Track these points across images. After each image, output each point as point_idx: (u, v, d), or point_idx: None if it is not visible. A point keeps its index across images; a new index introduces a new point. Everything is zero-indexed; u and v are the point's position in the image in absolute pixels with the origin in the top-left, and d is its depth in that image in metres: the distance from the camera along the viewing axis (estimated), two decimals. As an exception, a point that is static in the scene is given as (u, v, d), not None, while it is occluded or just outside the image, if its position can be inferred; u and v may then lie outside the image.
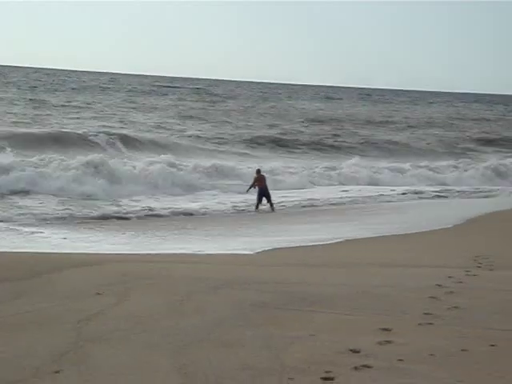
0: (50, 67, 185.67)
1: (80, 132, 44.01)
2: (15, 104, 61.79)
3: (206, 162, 36.32)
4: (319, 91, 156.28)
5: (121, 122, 55.92)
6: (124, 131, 46.85)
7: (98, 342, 7.38)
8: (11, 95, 70.74)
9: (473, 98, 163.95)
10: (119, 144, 42.40)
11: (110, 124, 52.62)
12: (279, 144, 52.77)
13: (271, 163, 39.40)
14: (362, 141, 57.58)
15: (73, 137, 42.25)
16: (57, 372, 6.45)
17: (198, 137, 51.69)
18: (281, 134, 57.48)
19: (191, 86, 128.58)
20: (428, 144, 59.10)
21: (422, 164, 43.59)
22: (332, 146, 54.28)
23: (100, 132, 44.38)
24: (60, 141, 40.56)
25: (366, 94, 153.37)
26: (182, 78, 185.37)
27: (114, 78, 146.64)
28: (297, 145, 53.35)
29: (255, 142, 52.25)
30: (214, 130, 56.41)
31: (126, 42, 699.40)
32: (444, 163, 45.28)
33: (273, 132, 57.97)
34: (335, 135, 60.29)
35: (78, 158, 31.25)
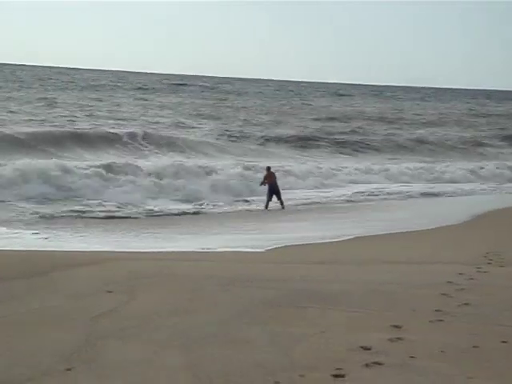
0: (53, 65, 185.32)
1: (111, 131, 43.94)
2: (29, 103, 61.58)
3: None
4: (329, 88, 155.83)
5: (134, 119, 55.67)
6: (143, 129, 46.34)
7: (110, 340, 7.38)
8: (23, 94, 70.54)
9: (481, 95, 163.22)
10: (143, 142, 42.26)
11: (126, 122, 52.46)
12: (306, 142, 52.16)
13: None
14: (385, 138, 57.00)
15: (97, 136, 41.95)
16: (68, 370, 6.46)
17: (222, 135, 51.27)
18: (303, 132, 56.88)
19: (200, 84, 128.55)
20: (447, 141, 58.66)
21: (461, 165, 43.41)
22: (357, 144, 53.52)
23: (122, 130, 44.31)
24: (85, 140, 40.29)
25: (378, 91, 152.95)
26: (189, 75, 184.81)
27: (121, 76, 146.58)
28: (324, 143, 52.53)
29: (282, 141, 51.67)
30: (232, 128, 55.84)
31: (128, 40, 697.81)
32: (478, 163, 44.96)
33: (293, 131, 57.20)
34: (354, 132, 59.54)
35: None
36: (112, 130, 44.53)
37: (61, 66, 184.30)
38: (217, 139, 49.04)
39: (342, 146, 52.40)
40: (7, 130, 39.56)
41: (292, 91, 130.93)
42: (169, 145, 43.01)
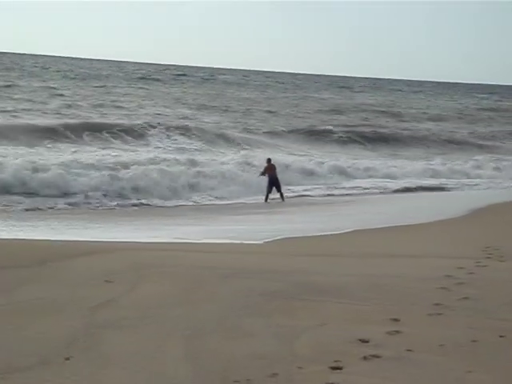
0: (50, 54, 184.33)
1: (117, 122, 43.48)
2: (32, 92, 61.14)
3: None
4: (329, 81, 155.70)
5: (139, 110, 55.21)
6: (149, 120, 45.69)
7: (108, 330, 7.39)
8: (25, 83, 69.93)
9: (483, 89, 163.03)
10: (151, 133, 41.78)
11: (129, 112, 52.14)
12: (312, 135, 51.13)
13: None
14: (391, 132, 56.03)
15: (101, 126, 41.02)
16: (67, 359, 6.48)
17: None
18: (309, 124, 56.14)
19: (201, 74, 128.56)
20: (452, 135, 58.10)
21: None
22: (364, 138, 52.10)
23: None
24: (90, 130, 39.71)
25: (380, 85, 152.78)
26: (189, 66, 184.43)
27: (121, 65, 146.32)
28: (332, 136, 51.62)
29: (289, 133, 50.86)
30: (237, 120, 55.36)
31: (125, 30, 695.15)
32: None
33: (298, 123, 56.63)
34: (361, 125, 58.61)
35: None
36: (119, 121, 44.17)
37: (56, 55, 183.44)
38: (224, 130, 48.33)
39: (349, 139, 51.66)
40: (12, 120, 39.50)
41: (293, 83, 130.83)
42: (177, 135, 42.51)
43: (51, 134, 36.87)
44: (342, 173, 35.45)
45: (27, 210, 21.81)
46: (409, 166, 39.05)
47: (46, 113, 47.47)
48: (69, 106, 52.65)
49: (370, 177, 35.30)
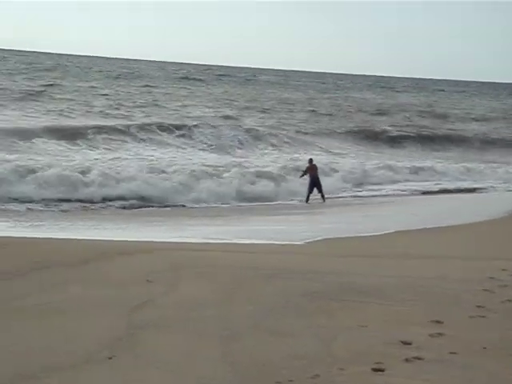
0: (85, 54, 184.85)
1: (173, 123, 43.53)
2: (75, 91, 61.30)
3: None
4: (369, 81, 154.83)
5: (183, 107, 55.38)
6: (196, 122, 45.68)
7: (150, 330, 7.43)
8: (69, 83, 70.01)
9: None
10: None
11: (178, 113, 52.35)
12: (358, 136, 50.48)
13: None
14: (440, 133, 55.02)
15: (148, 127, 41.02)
16: (110, 358, 6.53)
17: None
18: (357, 125, 55.71)
19: (243, 75, 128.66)
20: (501, 137, 57.13)
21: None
22: (410, 139, 51.65)
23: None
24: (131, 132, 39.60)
25: (417, 85, 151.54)
26: (229, 66, 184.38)
27: (160, 65, 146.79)
28: (378, 137, 51.03)
29: (335, 134, 50.26)
30: (282, 121, 54.88)
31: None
32: None
33: (345, 124, 55.83)
34: (408, 126, 57.86)
35: None
36: (162, 120, 44.25)
37: (84, 54, 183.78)
38: (267, 130, 47.57)
39: (396, 141, 51.07)
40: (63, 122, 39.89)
41: (334, 83, 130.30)
42: (220, 134, 42.39)
43: (94, 133, 37.12)
44: (388, 174, 35.21)
45: (63, 211, 21.98)
46: (450, 167, 38.77)
47: (90, 112, 47.86)
48: (111, 106, 52.90)
49: (415, 179, 35.05)
